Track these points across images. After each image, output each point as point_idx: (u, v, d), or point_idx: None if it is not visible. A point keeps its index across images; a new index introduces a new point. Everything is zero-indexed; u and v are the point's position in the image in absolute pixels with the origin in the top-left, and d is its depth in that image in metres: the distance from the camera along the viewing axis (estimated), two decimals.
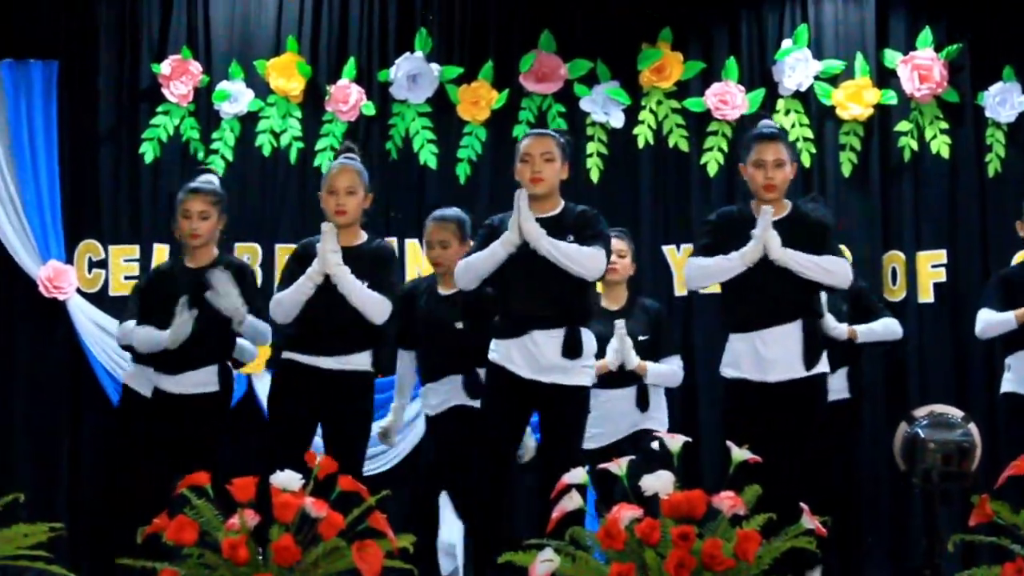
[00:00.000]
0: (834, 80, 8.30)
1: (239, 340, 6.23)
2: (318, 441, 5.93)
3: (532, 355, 5.60)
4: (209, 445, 6.09)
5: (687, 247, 7.96)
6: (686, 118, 8.35)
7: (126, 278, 7.94)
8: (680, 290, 8.14)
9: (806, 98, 8.32)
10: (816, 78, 8.29)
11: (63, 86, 8.33)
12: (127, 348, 6.42)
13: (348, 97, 8.26)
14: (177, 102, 8.28)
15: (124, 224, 8.27)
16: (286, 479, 4.08)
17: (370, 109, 8.32)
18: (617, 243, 6.63)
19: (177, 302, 5.99)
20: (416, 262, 7.96)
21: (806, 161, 8.18)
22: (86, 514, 7.76)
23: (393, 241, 8.00)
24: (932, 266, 8.18)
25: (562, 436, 5.68)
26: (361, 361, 5.82)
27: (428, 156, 8.30)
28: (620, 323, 6.49)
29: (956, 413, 6.91)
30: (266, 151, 8.32)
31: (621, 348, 6.47)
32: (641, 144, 8.33)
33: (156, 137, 8.29)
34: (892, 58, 8.28)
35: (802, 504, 4.18)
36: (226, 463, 7.12)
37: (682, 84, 8.36)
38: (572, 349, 5.60)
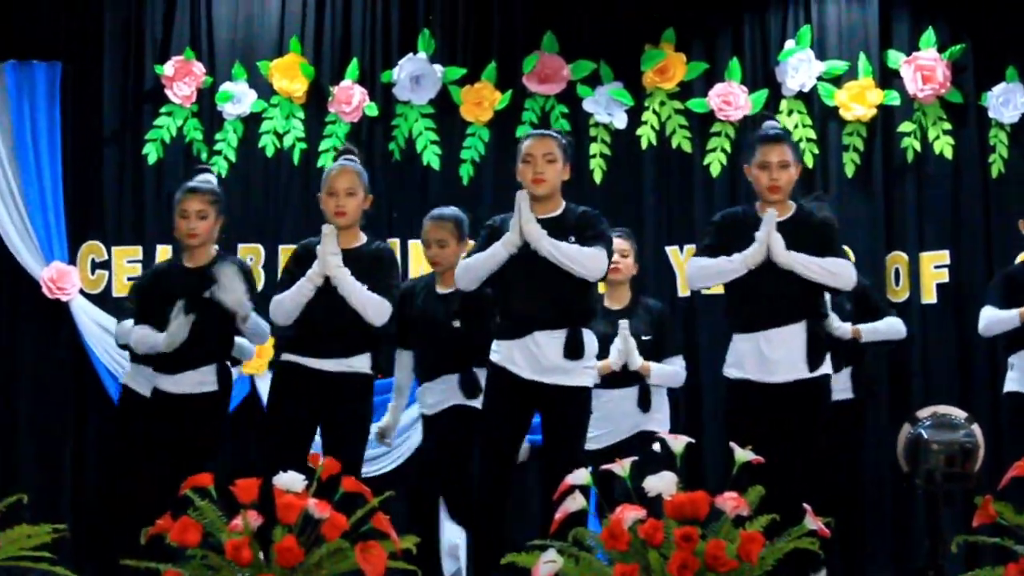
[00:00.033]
0: (837, 81, 8.30)
1: (237, 339, 6.23)
2: (317, 441, 5.93)
3: (534, 356, 5.60)
4: (208, 445, 6.09)
5: (690, 248, 7.97)
6: (689, 119, 8.35)
7: (129, 279, 7.93)
8: (683, 291, 8.14)
9: (809, 99, 8.32)
10: (819, 79, 8.29)
11: (66, 87, 8.34)
12: (124, 347, 6.42)
13: (351, 98, 8.27)
14: (180, 103, 8.29)
15: (127, 225, 8.28)
16: (289, 480, 4.08)
17: (373, 110, 8.32)
18: (620, 243, 6.63)
19: (174, 302, 5.99)
20: (420, 263, 7.95)
21: (809, 162, 8.18)
22: (89, 515, 7.76)
23: (396, 242, 8.01)
24: (935, 267, 8.18)
25: (564, 437, 5.68)
26: (360, 363, 5.81)
27: (431, 157, 8.31)
28: (624, 323, 6.49)
29: (959, 414, 6.91)
30: (269, 152, 8.32)
31: (625, 348, 6.47)
32: (644, 145, 8.33)
33: (159, 138, 8.29)
34: (895, 59, 8.28)
35: (805, 505, 4.18)
36: (229, 464, 7.19)
37: (685, 85, 8.36)
38: (574, 350, 5.60)
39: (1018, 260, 7.68)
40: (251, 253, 8.02)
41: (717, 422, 7.81)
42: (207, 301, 6.00)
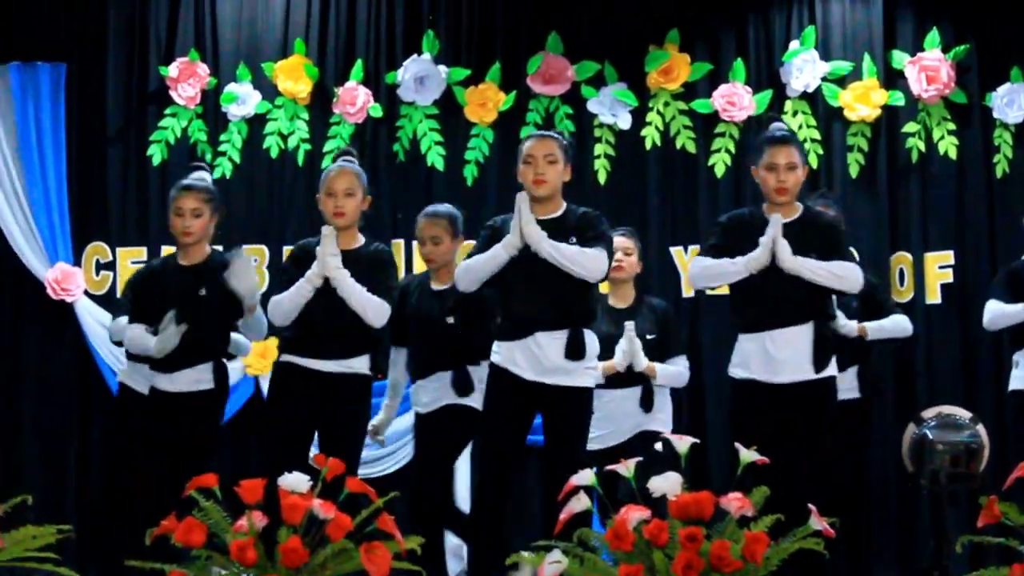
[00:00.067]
0: (841, 81, 8.30)
1: (233, 335, 6.21)
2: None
3: (535, 357, 5.60)
4: (206, 443, 6.08)
5: (694, 248, 7.96)
6: (693, 120, 8.34)
7: None
8: (687, 291, 8.14)
9: (813, 99, 8.32)
10: (823, 79, 8.28)
11: (71, 88, 8.36)
12: (118, 343, 6.43)
13: (355, 99, 8.27)
14: (185, 104, 8.30)
15: (132, 226, 8.29)
16: (294, 481, 4.08)
17: (377, 111, 8.33)
18: (624, 241, 6.63)
19: (169, 300, 5.99)
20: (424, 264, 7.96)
21: (813, 162, 8.17)
22: (93, 515, 7.76)
23: (401, 243, 8.03)
24: (940, 267, 8.17)
25: (565, 437, 5.68)
26: (359, 364, 5.80)
27: (435, 158, 8.31)
28: (630, 325, 6.49)
29: (964, 414, 6.90)
30: (273, 153, 8.33)
31: (630, 350, 6.47)
32: (648, 146, 8.33)
33: (164, 139, 8.31)
34: (899, 59, 8.28)
35: (810, 505, 4.17)
36: (234, 465, 7.20)
37: (689, 86, 8.36)
38: (575, 351, 5.61)
39: None
40: (255, 254, 8.01)
41: (721, 422, 7.82)
42: (203, 299, 6.00)
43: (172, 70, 8.30)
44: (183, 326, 5.92)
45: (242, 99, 8.32)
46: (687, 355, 6.85)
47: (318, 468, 4.26)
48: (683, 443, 4.23)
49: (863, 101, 8.23)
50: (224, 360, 6.16)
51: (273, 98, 8.34)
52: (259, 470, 5.37)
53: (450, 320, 6.21)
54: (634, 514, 3.92)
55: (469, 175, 8.31)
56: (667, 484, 4.01)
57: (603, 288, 6.75)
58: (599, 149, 8.32)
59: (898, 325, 6.94)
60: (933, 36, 8.23)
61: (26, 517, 4.37)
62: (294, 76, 8.32)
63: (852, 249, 6.75)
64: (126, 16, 8.44)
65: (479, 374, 6.11)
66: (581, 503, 4.11)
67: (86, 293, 8.12)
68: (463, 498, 7.45)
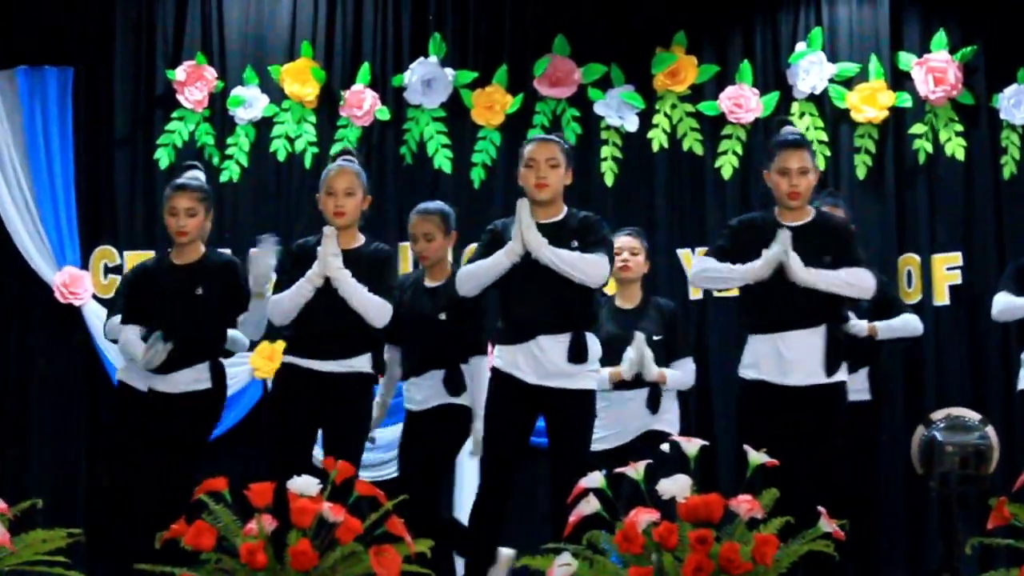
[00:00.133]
0: (848, 83, 8.30)
1: (230, 332, 6.19)
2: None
3: (538, 361, 5.60)
4: (203, 442, 6.08)
5: (702, 250, 7.95)
6: (700, 122, 8.34)
7: None
8: (695, 293, 8.13)
9: (820, 101, 8.32)
10: (830, 81, 8.28)
11: (78, 92, 8.37)
12: (114, 341, 6.42)
13: (362, 102, 8.28)
14: (192, 108, 8.31)
15: (139, 230, 8.29)
16: (303, 484, 4.09)
17: (384, 114, 8.33)
18: (630, 241, 6.63)
19: (165, 299, 5.98)
20: None
21: (821, 164, 8.15)
22: (99, 517, 7.75)
23: (407, 246, 8.01)
24: (947, 268, 8.17)
25: (570, 440, 5.68)
26: (361, 363, 5.79)
27: (442, 161, 8.31)
28: (640, 336, 6.47)
29: (973, 416, 6.90)
30: (281, 156, 8.34)
31: (640, 360, 6.46)
32: (655, 148, 8.33)
33: (171, 143, 8.31)
34: (906, 60, 8.28)
35: (820, 508, 4.17)
36: (243, 467, 7.20)
37: (696, 88, 8.36)
38: (578, 354, 5.60)
39: None
40: (253, 263, 8.00)
41: (728, 424, 7.82)
42: (200, 298, 5.98)
43: (179, 74, 8.31)
44: (169, 344, 5.92)
45: (249, 102, 8.33)
46: (693, 357, 6.84)
47: (324, 469, 4.26)
48: (692, 445, 4.23)
49: (870, 103, 8.23)
50: (221, 359, 6.14)
51: (280, 101, 8.35)
52: (265, 472, 5.40)
53: (442, 317, 6.21)
54: (644, 516, 3.92)
55: (476, 178, 8.32)
56: (676, 486, 4.01)
57: (610, 289, 6.76)
58: (606, 151, 8.32)
59: (908, 324, 6.93)
60: (940, 37, 8.23)
61: (35, 520, 4.38)
62: (301, 79, 8.33)
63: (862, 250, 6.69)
64: (133, 20, 8.45)
65: (470, 372, 6.15)
66: (590, 506, 4.11)
67: (94, 296, 8.13)
68: (464, 506, 7.43)
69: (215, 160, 8.29)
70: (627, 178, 8.35)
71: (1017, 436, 7.77)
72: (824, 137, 8.24)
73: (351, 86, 8.34)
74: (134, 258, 8.17)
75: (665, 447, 4.84)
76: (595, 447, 6.32)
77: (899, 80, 8.30)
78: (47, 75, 8.34)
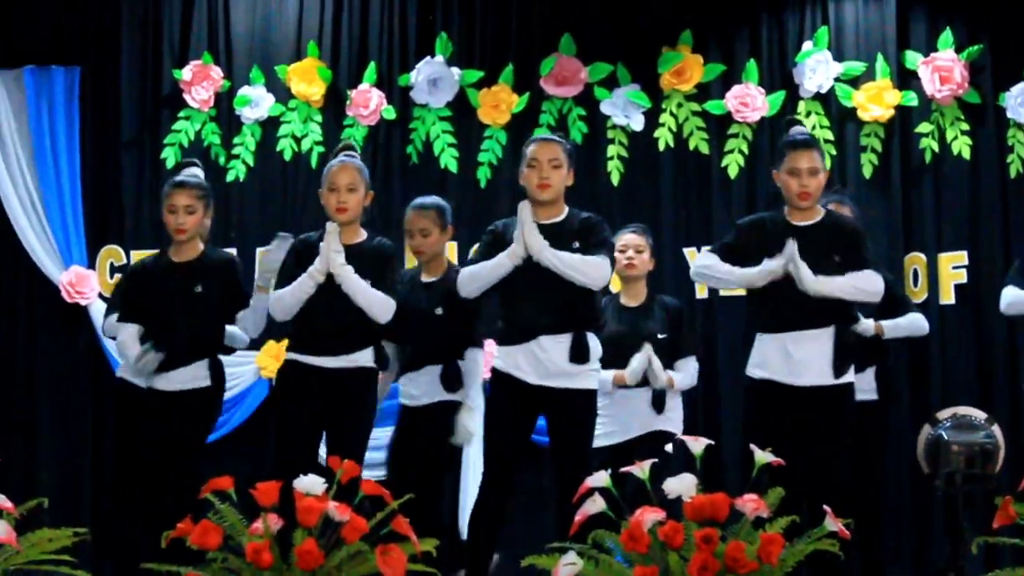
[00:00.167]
0: (855, 82, 8.29)
1: (228, 328, 6.18)
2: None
3: (540, 361, 5.61)
4: (201, 440, 6.07)
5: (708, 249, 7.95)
6: (706, 121, 8.34)
7: None
8: (701, 292, 8.13)
9: (827, 100, 8.31)
10: (836, 80, 8.27)
11: (85, 92, 8.39)
12: (113, 339, 6.43)
13: (369, 101, 8.29)
14: (198, 107, 8.32)
15: (146, 229, 8.30)
16: (309, 483, 4.09)
17: (391, 113, 8.34)
18: (635, 238, 6.64)
19: (163, 296, 6.00)
20: None
21: (827, 163, 8.15)
22: (105, 516, 7.77)
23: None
24: (953, 267, 8.15)
25: (571, 439, 5.69)
26: (363, 358, 5.80)
27: (449, 160, 8.32)
28: (648, 348, 6.45)
29: (979, 415, 6.90)
30: (287, 156, 8.35)
31: (650, 370, 6.44)
32: (662, 147, 8.32)
33: (178, 142, 8.33)
34: (913, 59, 8.27)
35: (825, 507, 4.17)
36: (249, 466, 7.21)
37: (702, 87, 8.35)
38: (579, 354, 5.61)
39: None
40: (264, 257, 8.01)
41: (735, 423, 7.81)
42: (199, 296, 5.98)
43: (186, 73, 8.33)
44: (161, 354, 5.93)
45: (255, 102, 8.34)
46: (697, 356, 6.83)
47: (330, 467, 4.26)
48: (698, 444, 4.23)
49: (876, 101, 8.22)
50: (219, 357, 6.14)
51: (286, 101, 8.36)
52: (271, 470, 5.40)
53: (439, 312, 6.21)
54: (649, 516, 3.92)
55: (482, 177, 8.32)
56: (682, 485, 4.02)
57: (615, 286, 6.76)
58: (612, 150, 8.32)
59: (914, 324, 6.90)
60: (946, 36, 8.22)
61: (42, 520, 4.38)
62: (307, 79, 8.34)
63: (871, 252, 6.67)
64: (140, 19, 8.47)
65: (464, 364, 6.17)
66: (596, 505, 4.11)
67: (100, 296, 8.14)
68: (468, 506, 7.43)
69: (221, 160, 8.30)
70: (633, 177, 8.35)
71: (1023, 434, 7.76)
72: (830, 136, 8.23)
73: (357, 85, 8.35)
74: (140, 257, 8.16)
75: (669, 447, 4.85)
76: (599, 443, 6.33)
77: (905, 79, 8.29)
78: (54, 75, 8.36)
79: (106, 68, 8.44)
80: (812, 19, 8.39)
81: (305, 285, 5.70)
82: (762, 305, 5.73)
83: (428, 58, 8.34)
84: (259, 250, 8.07)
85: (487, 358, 6.73)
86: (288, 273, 5.81)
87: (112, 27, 8.45)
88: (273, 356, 7.83)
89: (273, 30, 8.47)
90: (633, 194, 8.31)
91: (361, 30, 8.47)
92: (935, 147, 8.21)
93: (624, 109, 8.32)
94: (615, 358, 6.39)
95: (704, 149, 8.32)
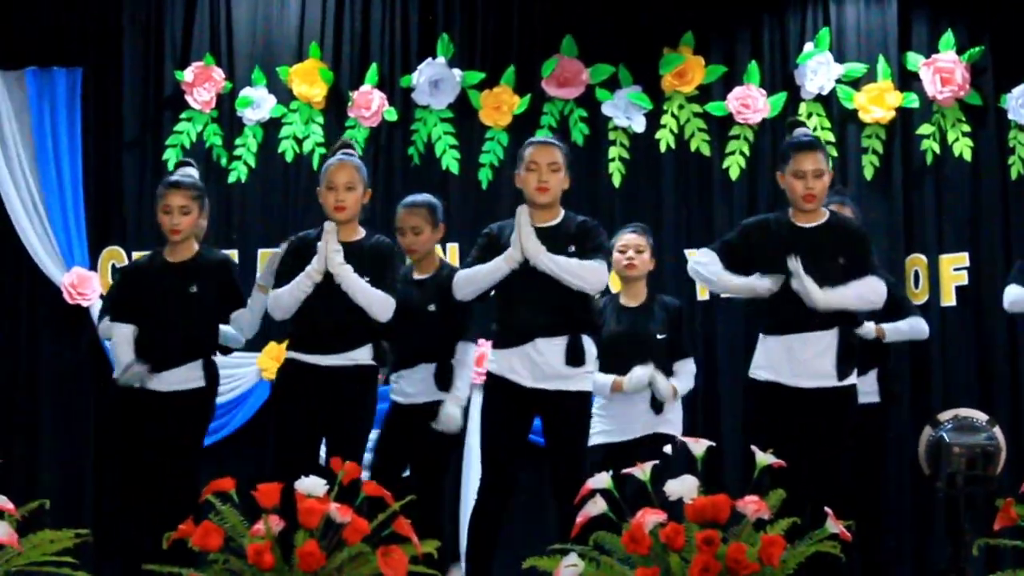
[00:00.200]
0: (856, 83, 8.29)
1: (223, 328, 6.18)
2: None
3: (535, 363, 5.62)
4: (196, 441, 6.06)
5: None
6: (708, 122, 8.34)
7: None
8: (702, 293, 8.13)
9: (828, 101, 8.31)
10: (838, 81, 8.27)
11: (87, 93, 8.39)
12: (109, 339, 6.43)
13: (370, 103, 8.29)
14: (200, 109, 8.32)
15: (147, 231, 8.27)
16: (310, 485, 4.09)
17: (392, 115, 8.34)
18: (635, 239, 6.63)
19: (157, 297, 6.00)
20: None
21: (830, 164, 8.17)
22: (108, 519, 7.77)
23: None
24: (954, 269, 8.15)
25: (567, 440, 5.71)
26: (362, 355, 5.80)
27: (450, 161, 8.32)
28: (650, 367, 6.44)
29: (981, 417, 6.90)
30: (289, 157, 8.35)
31: (654, 387, 6.43)
32: (663, 148, 8.32)
33: (179, 144, 8.33)
34: (914, 61, 8.27)
35: (826, 508, 4.17)
36: (251, 468, 7.21)
37: (704, 88, 8.35)
38: (575, 357, 5.63)
39: None
40: (269, 258, 8.01)
41: (735, 424, 7.82)
42: (193, 296, 5.99)
43: (187, 75, 8.33)
44: (146, 367, 5.93)
45: (257, 103, 8.34)
46: (696, 357, 6.83)
47: (331, 468, 4.26)
48: (699, 446, 4.23)
49: (878, 103, 8.22)
50: (214, 358, 6.14)
51: (288, 102, 8.36)
52: (270, 468, 5.40)
53: (431, 308, 6.21)
54: (650, 517, 3.93)
55: (484, 178, 8.32)
56: (683, 487, 4.02)
57: (615, 287, 6.76)
58: (614, 152, 8.32)
59: (915, 328, 6.91)
60: (948, 38, 8.22)
61: (43, 521, 4.39)
62: (309, 80, 8.34)
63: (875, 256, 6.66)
64: (141, 21, 8.47)
65: (456, 359, 6.19)
66: (597, 507, 4.11)
67: (102, 297, 8.13)
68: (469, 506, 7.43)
69: (223, 161, 8.31)
70: (635, 179, 8.35)
71: None
72: (831, 138, 8.23)
73: (359, 87, 8.35)
74: None
75: (668, 449, 4.85)
76: (599, 440, 6.36)
77: (907, 80, 8.30)
78: (56, 76, 8.36)
79: (108, 69, 8.44)
80: (813, 20, 8.39)
81: (303, 284, 5.70)
82: (766, 307, 5.74)
83: (430, 59, 8.34)
84: (262, 251, 8.11)
85: (480, 357, 6.76)
86: (286, 272, 5.81)
87: (114, 28, 8.46)
88: (274, 358, 7.83)
89: (275, 31, 8.48)
90: (634, 195, 8.31)
91: (363, 31, 8.47)
92: (936, 149, 8.22)
93: (625, 110, 8.32)
94: (615, 358, 6.40)
95: (705, 151, 8.32)
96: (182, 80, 8.33)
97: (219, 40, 8.45)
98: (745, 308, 7.66)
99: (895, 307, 6.88)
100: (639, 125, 8.31)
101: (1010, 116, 8.20)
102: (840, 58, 8.30)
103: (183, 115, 8.36)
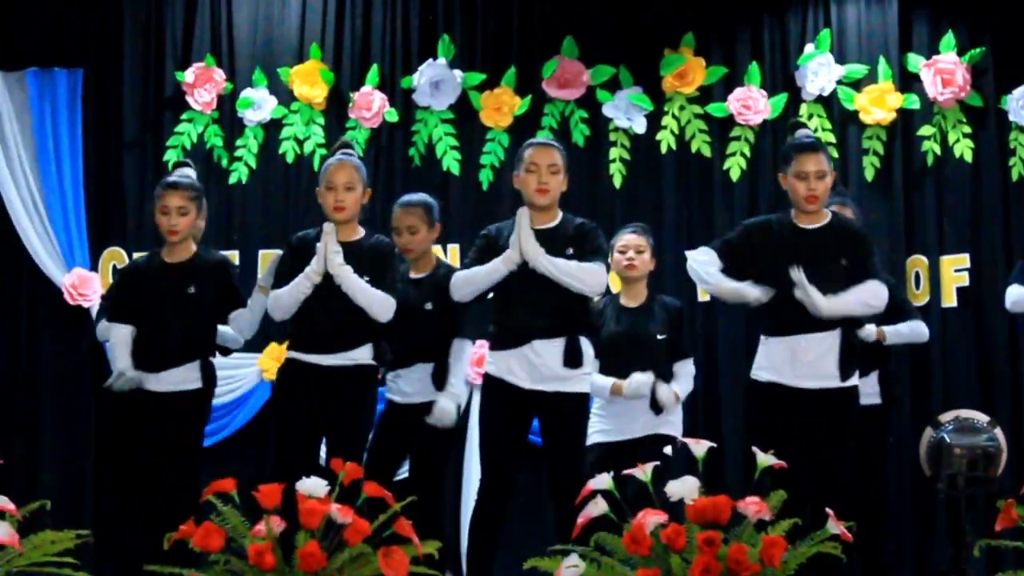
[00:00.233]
0: (857, 84, 8.29)
1: (221, 328, 6.18)
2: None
3: (533, 365, 5.63)
4: (193, 443, 6.04)
5: None
6: (709, 123, 8.34)
7: None
8: (703, 295, 8.12)
9: (829, 103, 8.31)
10: (839, 82, 8.27)
11: (88, 94, 8.40)
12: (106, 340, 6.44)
13: (371, 104, 8.29)
14: (201, 110, 8.32)
15: (148, 232, 8.25)
16: (312, 486, 4.09)
17: (393, 116, 8.34)
18: (636, 239, 6.63)
19: (155, 297, 5.99)
20: None
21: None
22: (109, 521, 7.77)
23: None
24: (955, 270, 8.15)
25: (565, 441, 5.71)
26: (362, 355, 5.80)
27: (451, 162, 8.32)
28: (650, 376, 6.42)
29: (982, 418, 6.90)
30: (289, 158, 8.35)
31: (657, 395, 6.43)
32: (664, 149, 8.32)
33: (180, 145, 8.33)
34: (915, 62, 8.27)
35: (827, 509, 4.17)
36: (252, 468, 7.21)
37: (705, 89, 8.36)
38: (573, 359, 5.64)
39: None
40: (271, 259, 8.01)
41: (736, 425, 7.82)
42: (191, 297, 5.99)
43: (188, 75, 8.33)
44: (139, 373, 5.93)
45: (258, 104, 8.34)
46: (696, 358, 6.83)
47: (332, 469, 4.26)
48: (700, 447, 4.23)
49: (878, 104, 8.22)
50: (212, 360, 6.13)
51: (289, 103, 8.37)
52: (271, 468, 5.40)
53: (428, 307, 6.21)
54: (651, 518, 3.93)
55: (484, 179, 8.32)
56: (684, 488, 4.02)
57: (615, 287, 6.76)
58: (614, 153, 8.32)
59: (915, 331, 6.90)
60: (948, 39, 8.22)
61: (44, 521, 4.39)
62: (310, 81, 8.34)
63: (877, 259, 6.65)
64: (142, 22, 8.48)
65: (451, 355, 6.18)
66: (598, 507, 4.11)
67: (101, 298, 8.13)
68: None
69: (224, 162, 8.31)
70: (635, 180, 8.35)
71: None
72: (832, 139, 8.23)
73: (360, 88, 8.35)
74: None
75: (668, 450, 4.85)
76: (600, 439, 6.36)
77: (907, 82, 8.30)
78: (57, 77, 8.37)
79: (109, 70, 8.45)
80: (814, 22, 8.39)
81: (302, 286, 5.71)
82: (768, 308, 5.74)
83: (430, 60, 8.34)
84: (263, 252, 8.12)
85: (479, 359, 6.76)
86: (286, 272, 5.81)
87: (115, 29, 8.46)
88: (275, 358, 7.83)
89: (275, 32, 8.48)
90: (635, 197, 8.31)
91: (363, 32, 8.47)
92: (937, 150, 8.21)
93: (626, 112, 8.32)
94: (615, 358, 6.40)
95: (706, 152, 8.33)
96: (183, 81, 8.34)
97: (220, 41, 8.45)
98: (745, 309, 7.65)
99: (896, 309, 6.87)
100: (640, 126, 8.31)
101: (1011, 117, 8.20)
102: (841, 59, 8.30)
103: (184, 116, 8.36)
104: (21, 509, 4.29)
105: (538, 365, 5.62)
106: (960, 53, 8.20)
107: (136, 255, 8.14)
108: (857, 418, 5.78)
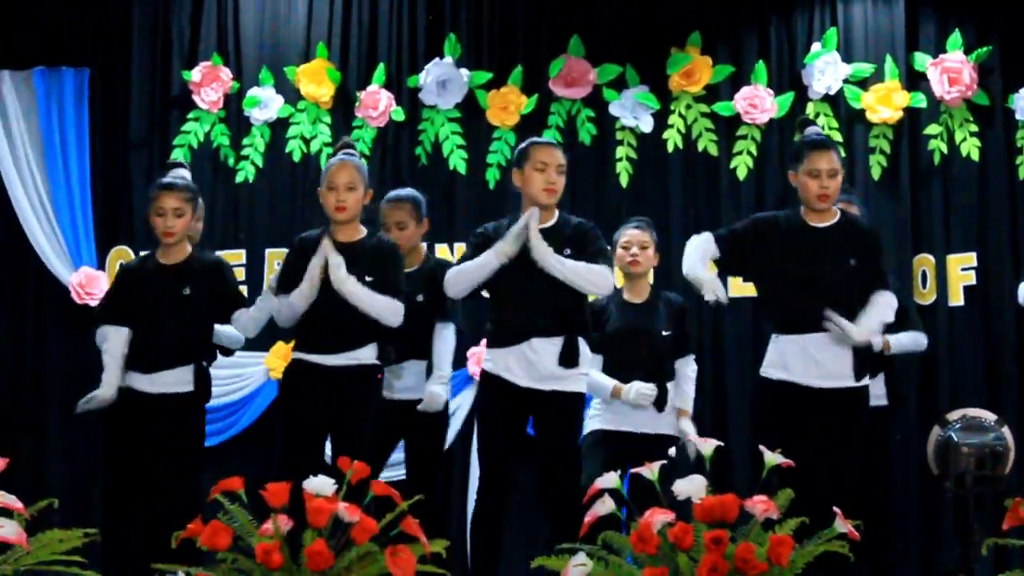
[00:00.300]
0: (863, 83, 8.28)
1: (219, 328, 6.18)
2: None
3: (531, 363, 5.63)
4: (190, 445, 6.03)
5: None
6: (715, 122, 8.33)
7: None
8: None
9: (835, 101, 8.30)
10: (845, 81, 8.26)
11: (95, 93, 8.41)
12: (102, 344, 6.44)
13: (378, 103, 8.29)
14: (208, 109, 8.33)
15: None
16: (319, 484, 4.10)
17: (400, 115, 8.34)
18: (640, 235, 6.62)
19: (150, 299, 5.99)
20: None
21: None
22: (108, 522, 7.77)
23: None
24: (962, 269, 8.14)
25: (561, 441, 5.71)
26: (366, 355, 5.80)
27: (458, 161, 8.32)
28: (652, 387, 6.41)
29: (989, 416, 6.90)
30: (296, 157, 8.35)
31: (688, 452, 6.44)
32: (670, 148, 8.32)
33: (187, 144, 8.34)
34: (922, 61, 8.26)
35: (835, 508, 4.17)
36: (259, 467, 7.21)
37: (711, 88, 8.35)
38: (570, 358, 5.64)
39: None
40: (278, 258, 8.02)
41: (743, 423, 7.81)
42: (187, 298, 5.97)
43: (195, 75, 8.34)
44: (109, 399, 5.94)
45: (265, 103, 8.34)
46: (703, 355, 6.82)
47: (337, 466, 4.26)
48: (707, 445, 4.23)
49: (885, 103, 8.21)
50: (206, 363, 6.11)
51: (295, 102, 8.37)
52: (278, 469, 5.40)
53: (420, 299, 6.20)
54: (659, 517, 3.93)
55: (491, 178, 8.32)
56: (692, 487, 4.02)
57: (618, 282, 6.75)
58: (621, 152, 8.32)
59: (916, 341, 6.89)
60: (955, 38, 8.21)
61: (52, 520, 4.39)
62: (316, 80, 8.34)
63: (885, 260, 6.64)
64: (149, 21, 8.48)
65: (437, 339, 6.22)
66: (606, 506, 4.11)
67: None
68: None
69: (231, 161, 8.32)
70: (642, 179, 8.34)
71: None
72: (839, 138, 8.21)
73: (366, 87, 8.35)
74: None
75: (672, 451, 4.85)
76: (607, 426, 6.33)
77: (914, 80, 8.28)
78: (64, 76, 8.38)
79: (115, 69, 8.46)
80: (821, 20, 8.38)
81: (304, 291, 5.71)
82: (780, 307, 5.73)
83: (437, 59, 8.34)
84: (269, 251, 8.13)
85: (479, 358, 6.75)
86: (290, 272, 5.81)
87: (121, 28, 8.47)
88: (282, 357, 7.84)
89: (282, 31, 8.48)
90: (642, 195, 8.30)
91: (370, 31, 8.47)
92: (944, 149, 8.21)
93: (633, 110, 8.31)
94: (617, 354, 6.40)
95: (713, 150, 8.32)
96: (189, 80, 8.34)
97: (226, 40, 8.46)
98: (754, 307, 7.66)
99: (900, 315, 6.87)
100: (646, 125, 8.31)
101: (1018, 116, 8.19)
102: (847, 58, 8.29)
103: (190, 115, 8.37)
104: (29, 508, 4.29)
105: (535, 363, 5.62)
106: (967, 52, 8.19)
107: (143, 254, 8.16)
108: (867, 418, 5.77)
